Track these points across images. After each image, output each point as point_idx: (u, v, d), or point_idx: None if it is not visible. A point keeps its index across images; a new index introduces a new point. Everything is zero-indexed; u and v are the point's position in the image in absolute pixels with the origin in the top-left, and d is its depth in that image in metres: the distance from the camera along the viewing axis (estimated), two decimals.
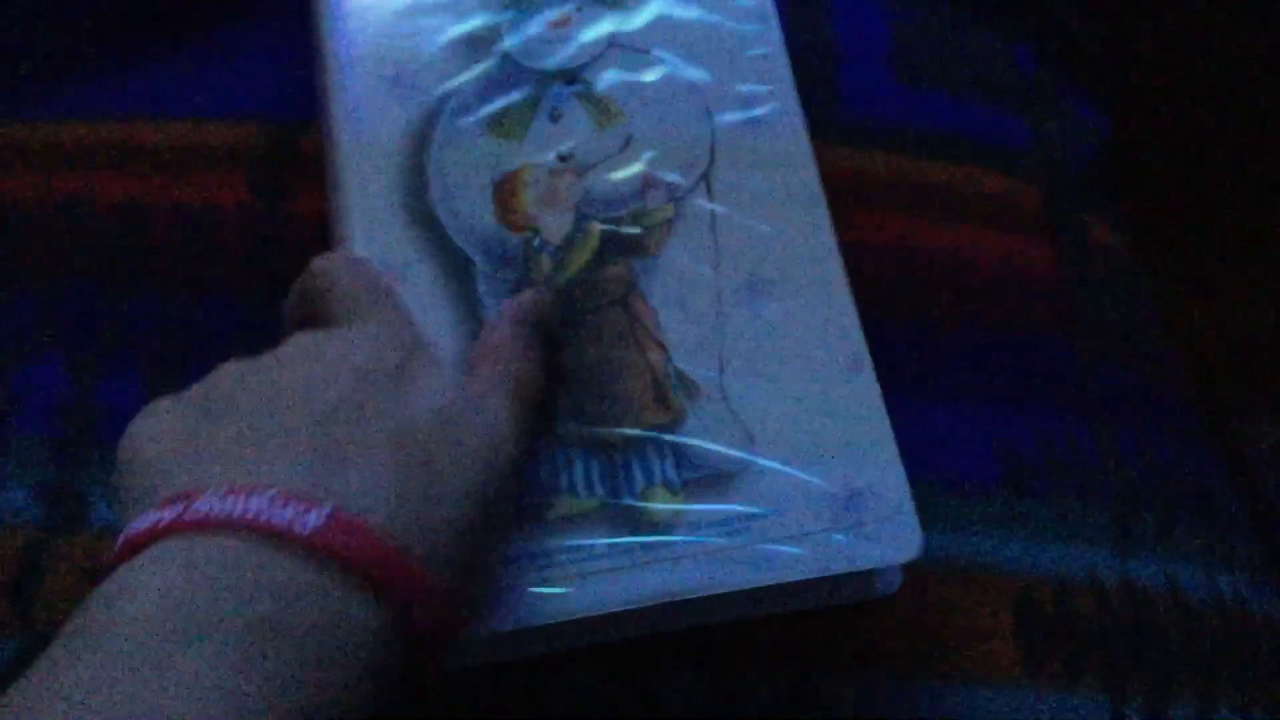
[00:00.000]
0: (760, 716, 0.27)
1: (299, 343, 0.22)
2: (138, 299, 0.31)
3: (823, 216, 0.28)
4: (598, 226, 0.28)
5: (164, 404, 0.21)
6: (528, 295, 0.26)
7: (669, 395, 0.27)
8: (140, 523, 0.19)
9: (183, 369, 0.30)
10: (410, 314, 0.25)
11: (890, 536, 0.25)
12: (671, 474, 0.26)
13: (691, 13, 0.31)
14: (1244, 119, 0.50)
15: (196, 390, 0.21)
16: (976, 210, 0.35)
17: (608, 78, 0.30)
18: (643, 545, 0.25)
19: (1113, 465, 0.32)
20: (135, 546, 0.18)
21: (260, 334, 0.29)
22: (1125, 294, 0.37)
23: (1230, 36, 0.48)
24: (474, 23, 0.30)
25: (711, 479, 0.26)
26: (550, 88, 0.30)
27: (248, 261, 0.31)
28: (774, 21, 0.31)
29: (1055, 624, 0.30)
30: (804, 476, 0.26)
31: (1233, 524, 0.34)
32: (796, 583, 0.25)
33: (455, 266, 0.27)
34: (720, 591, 0.25)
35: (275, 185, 0.32)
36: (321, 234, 0.31)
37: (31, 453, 0.29)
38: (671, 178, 0.29)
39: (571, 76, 0.30)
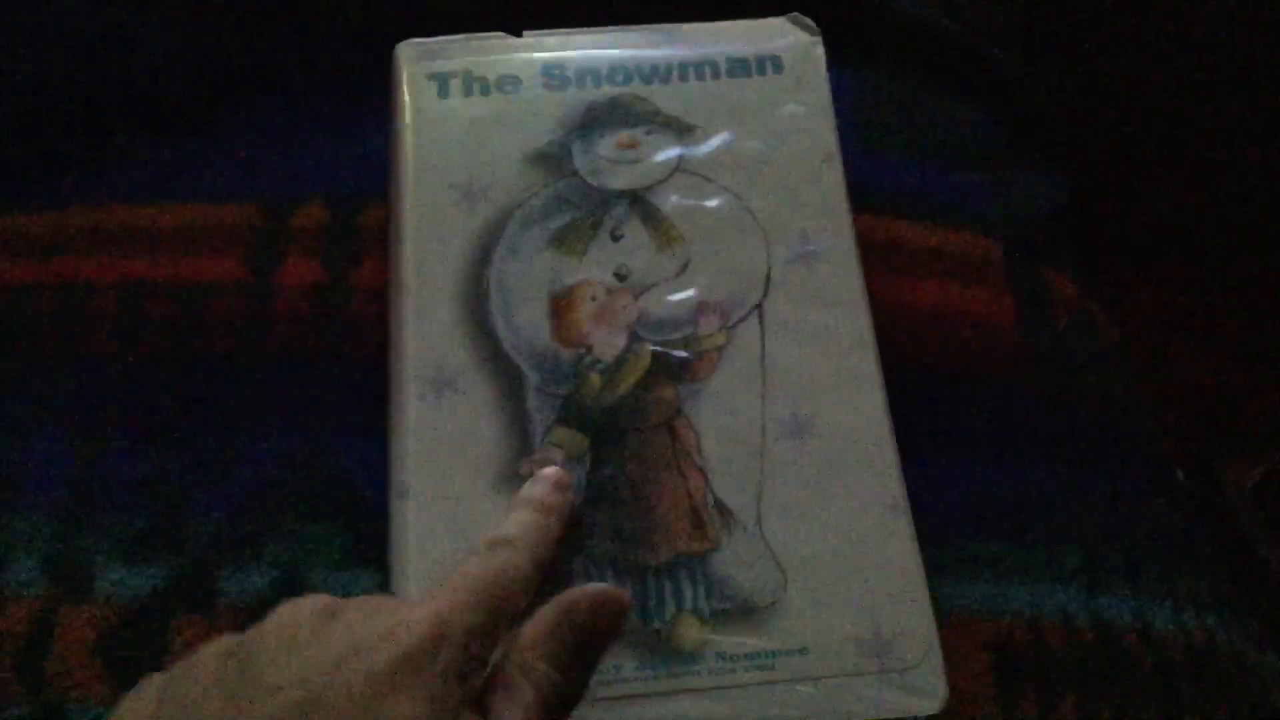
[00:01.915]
0: None
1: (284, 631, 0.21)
2: (138, 374, 0.32)
3: (871, 359, 0.29)
4: (649, 348, 0.29)
5: (153, 684, 0.21)
6: (549, 490, 0.26)
7: (706, 523, 0.27)
8: None
9: (182, 439, 0.31)
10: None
11: (915, 687, 0.25)
12: (702, 603, 0.26)
13: (757, 145, 0.31)
14: (1197, 175, 0.50)
15: (179, 672, 0.21)
16: (940, 266, 0.36)
17: (670, 201, 0.31)
18: (670, 673, 0.25)
19: (1080, 508, 0.33)
20: None
21: (254, 403, 0.31)
22: (1085, 342, 0.37)
23: (1182, 100, 0.48)
24: (545, 140, 0.31)
25: (741, 611, 0.26)
26: (614, 208, 0.30)
27: (244, 334, 0.32)
28: (837, 162, 0.31)
29: (1029, 662, 0.30)
30: (833, 618, 0.26)
31: (1199, 561, 0.34)
32: None
33: (507, 378, 0.28)
34: None
35: (269, 261, 0.33)
36: (312, 305, 0.33)
37: (37, 526, 0.30)
38: (726, 305, 0.29)
39: (635, 197, 0.31)
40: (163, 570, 0.29)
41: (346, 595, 0.28)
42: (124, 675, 0.28)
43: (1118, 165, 0.48)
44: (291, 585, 0.29)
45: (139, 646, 0.28)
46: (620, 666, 0.25)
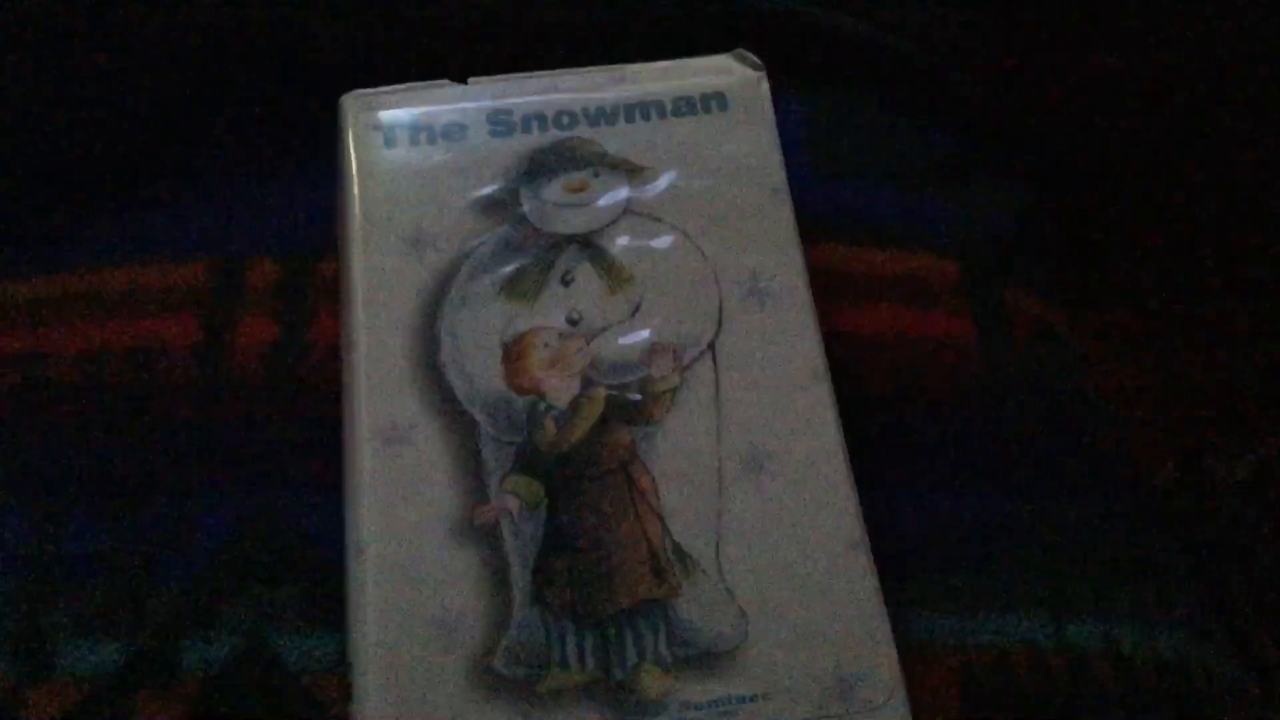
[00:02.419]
0: None
1: None
2: (97, 444, 0.31)
3: (825, 393, 0.29)
4: (603, 392, 0.28)
5: None
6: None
7: (665, 568, 0.27)
8: None
9: (141, 509, 0.30)
10: None
11: None
12: (664, 651, 0.26)
13: (705, 183, 0.31)
14: (1159, 185, 0.51)
15: None
16: (897, 291, 0.36)
17: (620, 243, 0.30)
18: None
19: (1045, 534, 0.33)
20: None
21: (212, 467, 0.30)
22: (1048, 360, 0.37)
23: (1142, 108, 0.49)
24: (492, 187, 0.31)
25: (704, 657, 0.26)
26: (564, 252, 0.30)
27: (200, 398, 0.32)
28: (785, 195, 0.31)
29: (998, 693, 0.30)
30: (797, 661, 0.26)
31: (1169, 580, 0.34)
32: None
33: (461, 428, 0.28)
34: None
35: (223, 321, 0.33)
36: (266, 364, 0.32)
37: (1, 605, 0.29)
38: (678, 346, 0.29)
39: (585, 241, 0.30)
40: (124, 645, 0.28)
41: (310, 659, 0.28)
42: None
43: (1078, 173, 0.49)
44: (254, 652, 0.28)
45: None
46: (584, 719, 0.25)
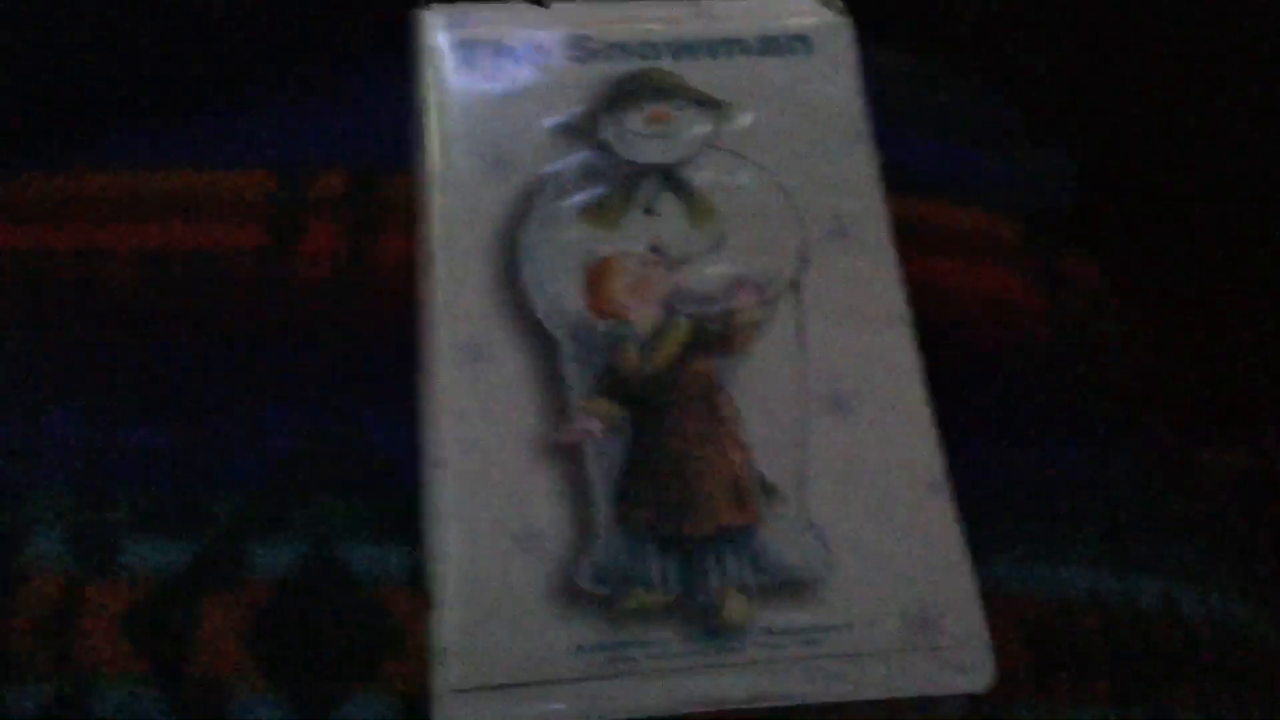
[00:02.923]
0: None
1: None
2: (156, 343, 0.31)
3: (907, 336, 0.29)
4: (686, 321, 0.28)
5: None
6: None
7: (748, 497, 0.26)
8: None
9: (200, 405, 0.30)
10: None
11: (962, 662, 0.25)
12: (747, 576, 0.26)
13: (787, 123, 0.31)
14: (1210, 159, 0.52)
15: None
16: (962, 246, 0.36)
17: (703, 177, 0.30)
18: (716, 647, 0.25)
19: (1106, 490, 0.33)
20: None
21: (279, 375, 0.30)
22: (1104, 325, 0.38)
23: (1193, 83, 0.50)
24: (573, 112, 0.31)
25: (786, 586, 0.26)
26: (645, 181, 0.30)
27: (267, 303, 0.32)
28: (868, 140, 0.31)
29: (1063, 643, 0.30)
30: (879, 595, 0.26)
31: (1220, 545, 0.35)
32: (864, 701, 0.25)
33: (543, 347, 0.28)
34: (790, 702, 0.24)
35: (290, 229, 0.33)
36: (335, 275, 0.32)
37: (59, 500, 0.29)
38: (761, 281, 0.29)
39: (668, 172, 0.30)
40: (189, 545, 0.28)
41: (380, 571, 0.28)
42: (154, 651, 0.27)
43: (1131, 149, 0.49)
44: (322, 560, 0.28)
45: (168, 623, 0.27)
46: (667, 640, 0.25)
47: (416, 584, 0.27)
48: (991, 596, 0.27)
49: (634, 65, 0.32)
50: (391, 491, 0.29)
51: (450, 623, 0.25)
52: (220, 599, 0.27)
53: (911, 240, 0.34)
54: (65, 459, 0.29)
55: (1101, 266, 0.39)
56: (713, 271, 0.29)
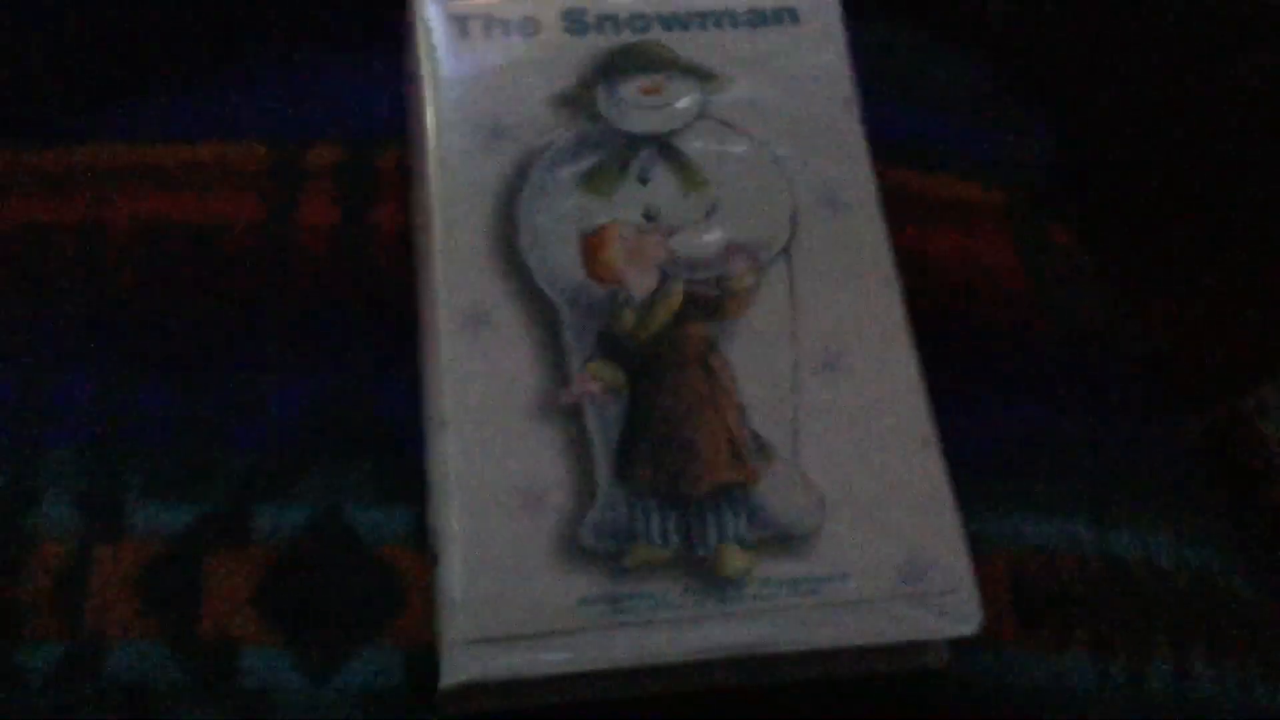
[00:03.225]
0: None
1: None
2: (162, 311, 0.32)
3: (896, 298, 0.30)
4: (680, 287, 0.29)
5: None
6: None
7: (744, 454, 0.27)
8: None
9: (205, 372, 0.30)
10: None
11: (951, 609, 0.26)
12: (744, 531, 0.26)
13: (777, 93, 0.32)
14: (1190, 132, 0.53)
15: None
16: (947, 214, 0.37)
17: (696, 146, 0.31)
18: (715, 598, 0.26)
19: (1087, 447, 0.34)
20: None
21: (280, 341, 0.31)
22: (1085, 290, 0.39)
23: (1173, 58, 0.51)
24: (567, 83, 0.31)
25: (782, 539, 0.26)
26: (640, 151, 0.31)
27: (266, 272, 0.32)
28: (856, 111, 0.32)
29: (1045, 591, 0.31)
30: (872, 546, 0.27)
31: (1196, 501, 0.36)
32: (856, 648, 0.26)
33: (541, 312, 0.28)
34: (787, 649, 0.25)
35: (286, 200, 0.33)
36: (331, 245, 0.33)
37: (67, 464, 0.29)
38: (754, 247, 0.30)
39: (661, 141, 0.31)
40: (196, 506, 0.28)
41: (384, 531, 0.28)
42: (162, 611, 0.27)
43: (1111, 120, 0.50)
44: (328, 520, 0.29)
45: (176, 582, 0.28)
46: (668, 592, 0.26)
47: (421, 543, 0.28)
48: (977, 547, 0.28)
49: (626, 38, 0.32)
50: (395, 454, 0.29)
51: (456, 578, 0.25)
52: (228, 559, 0.28)
53: (897, 208, 0.35)
54: (74, 425, 0.30)
55: (1081, 234, 0.40)
56: (706, 238, 0.30)
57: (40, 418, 0.30)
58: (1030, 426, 0.34)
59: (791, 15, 0.33)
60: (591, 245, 0.29)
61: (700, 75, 0.32)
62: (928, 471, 0.28)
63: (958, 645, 0.27)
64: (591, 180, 0.30)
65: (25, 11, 0.35)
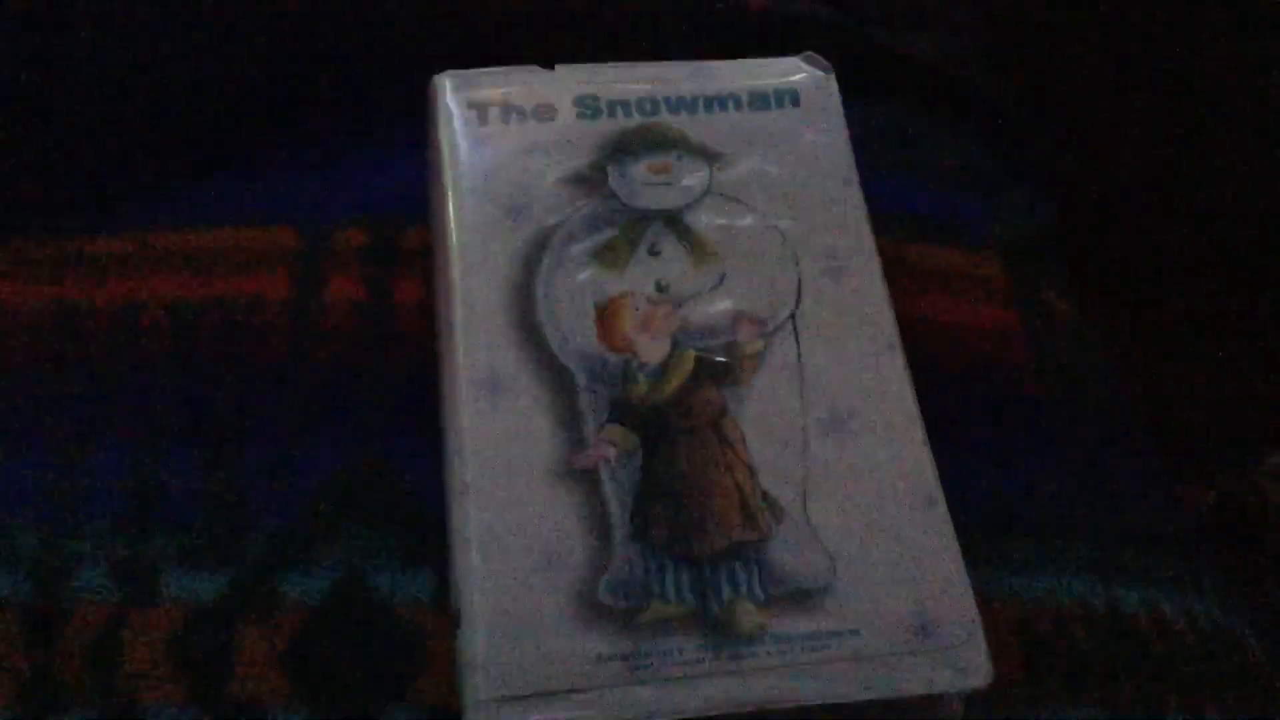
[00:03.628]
0: None
1: None
2: (192, 386, 0.33)
3: (900, 362, 0.31)
4: (692, 353, 0.30)
5: None
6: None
7: (755, 513, 0.28)
8: None
9: (233, 444, 0.32)
10: None
11: (962, 663, 0.27)
12: (757, 588, 0.27)
13: (781, 170, 0.34)
14: (1180, 203, 0.54)
15: None
16: (947, 282, 0.39)
17: (704, 221, 0.32)
18: (730, 654, 0.26)
19: (1091, 506, 0.35)
20: None
21: (306, 413, 0.32)
22: (1084, 354, 0.40)
23: (1166, 131, 0.52)
24: (581, 164, 0.33)
25: (794, 596, 0.27)
26: (650, 226, 0.32)
27: (292, 347, 0.34)
28: (856, 185, 0.33)
29: (1054, 648, 0.32)
30: (882, 602, 0.27)
31: (1200, 558, 0.37)
32: (868, 702, 0.26)
33: (558, 379, 0.29)
34: (800, 704, 0.26)
35: (313, 280, 0.35)
36: (356, 320, 0.34)
37: (102, 535, 0.30)
38: (761, 315, 0.31)
39: (670, 217, 0.32)
40: (226, 574, 0.29)
41: (405, 592, 0.29)
42: (194, 675, 0.28)
43: (1102, 190, 0.52)
44: (352, 585, 0.29)
45: (207, 647, 0.28)
46: (684, 648, 0.26)
47: (443, 605, 0.29)
48: (985, 604, 0.29)
49: (636, 120, 0.34)
50: (416, 519, 0.30)
51: (477, 638, 0.26)
52: (257, 625, 0.29)
53: (898, 276, 0.36)
54: (108, 497, 0.31)
55: (1080, 300, 0.41)
56: (715, 307, 0.31)
57: (76, 490, 0.31)
58: (1033, 487, 0.35)
59: (793, 98, 0.35)
60: (605, 315, 0.31)
61: (707, 154, 0.34)
62: (935, 529, 0.28)
63: (970, 699, 0.28)
64: (604, 254, 0.32)
65: (65, 103, 0.37)
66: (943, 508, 0.29)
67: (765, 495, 0.28)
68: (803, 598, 0.27)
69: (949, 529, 0.28)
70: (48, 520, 0.30)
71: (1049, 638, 0.32)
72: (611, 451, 0.29)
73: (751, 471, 0.29)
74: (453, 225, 0.32)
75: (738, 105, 0.35)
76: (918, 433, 0.30)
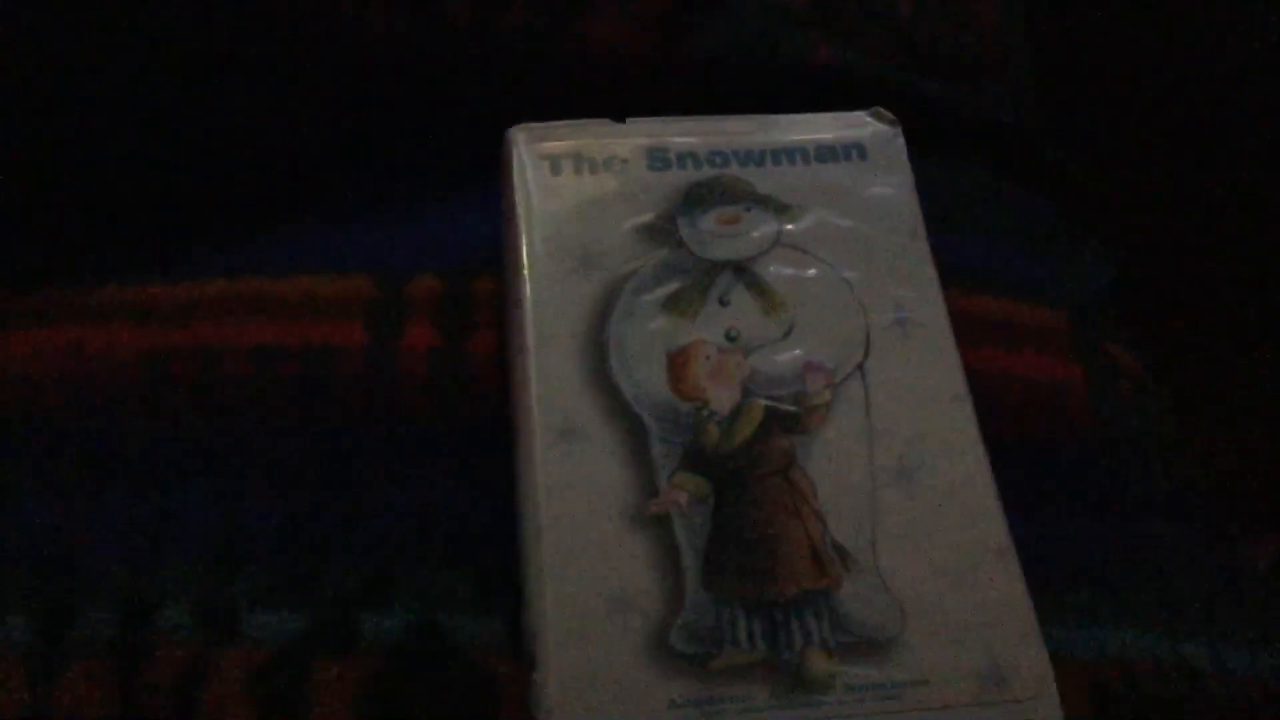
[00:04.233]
0: None
1: None
2: (273, 432, 0.34)
3: (968, 412, 0.31)
4: (762, 402, 0.31)
5: None
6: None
7: (825, 562, 0.28)
8: None
9: (311, 487, 0.33)
10: None
11: (1034, 715, 0.27)
12: (828, 636, 0.27)
13: (848, 223, 0.34)
14: (1248, 259, 0.53)
15: None
16: (1012, 337, 0.39)
17: (772, 271, 0.33)
18: (801, 701, 0.26)
19: (1156, 560, 0.35)
20: None
21: (383, 459, 0.33)
22: (1148, 407, 0.40)
23: (1231, 185, 0.52)
24: (651, 215, 0.34)
25: (864, 645, 0.27)
26: (720, 276, 0.33)
27: (370, 394, 0.34)
28: (923, 238, 0.34)
29: (1126, 702, 0.32)
30: (952, 652, 0.27)
31: (1264, 610, 0.36)
32: None
33: (631, 427, 0.30)
34: None
35: (389, 327, 0.36)
36: (431, 368, 0.35)
37: (186, 575, 0.31)
38: (830, 365, 0.31)
39: (740, 267, 0.33)
40: (304, 615, 0.30)
41: (479, 636, 0.30)
42: (272, 715, 0.29)
43: (1167, 246, 0.52)
44: (428, 629, 0.30)
45: (286, 687, 0.29)
46: (755, 695, 0.27)
47: (516, 649, 0.29)
48: (1055, 659, 0.28)
49: (706, 172, 0.35)
50: (490, 563, 0.31)
51: (551, 683, 0.27)
52: (334, 665, 0.30)
53: (964, 329, 0.36)
54: (191, 538, 0.32)
55: (1144, 354, 0.41)
56: (785, 357, 0.31)
57: (160, 532, 0.32)
58: (1099, 540, 0.34)
59: (860, 151, 0.36)
60: (676, 364, 0.31)
61: (776, 206, 0.34)
62: (1005, 579, 0.28)
63: None
64: (675, 303, 0.32)
65: (153, 151, 0.39)
66: (1013, 557, 0.29)
67: (835, 544, 0.29)
68: (873, 647, 0.27)
69: (1019, 579, 0.28)
70: (132, 560, 0.31)
71: (1118, 691, 0.32)
72: (684, 498, 0.29)
73: (821, 520, 0.29)
74: (526, 274, 0.32)
75: (805, 158, 0.35)
76: (986, 483, 0.30)
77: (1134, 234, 0.47)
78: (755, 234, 0.34)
